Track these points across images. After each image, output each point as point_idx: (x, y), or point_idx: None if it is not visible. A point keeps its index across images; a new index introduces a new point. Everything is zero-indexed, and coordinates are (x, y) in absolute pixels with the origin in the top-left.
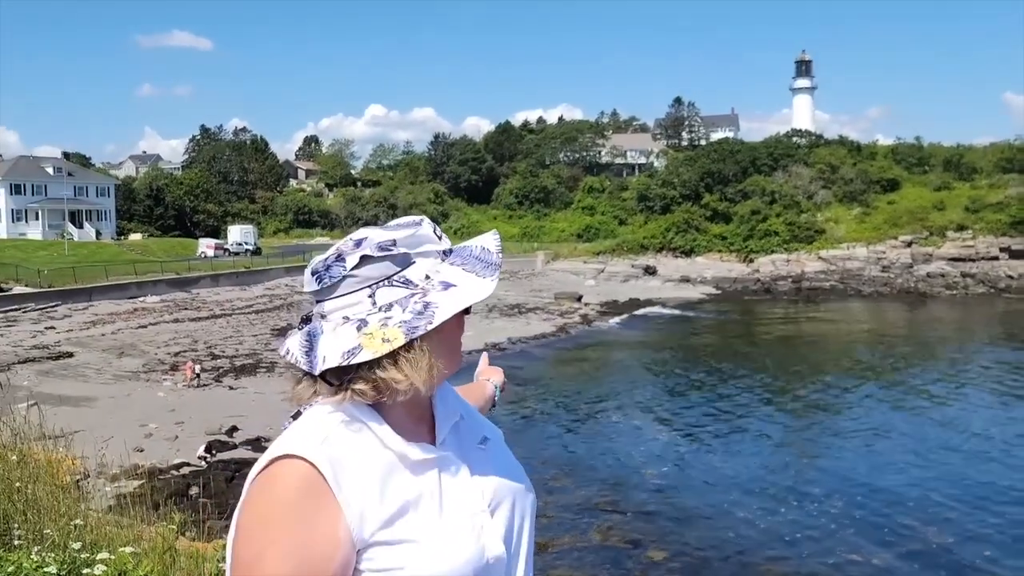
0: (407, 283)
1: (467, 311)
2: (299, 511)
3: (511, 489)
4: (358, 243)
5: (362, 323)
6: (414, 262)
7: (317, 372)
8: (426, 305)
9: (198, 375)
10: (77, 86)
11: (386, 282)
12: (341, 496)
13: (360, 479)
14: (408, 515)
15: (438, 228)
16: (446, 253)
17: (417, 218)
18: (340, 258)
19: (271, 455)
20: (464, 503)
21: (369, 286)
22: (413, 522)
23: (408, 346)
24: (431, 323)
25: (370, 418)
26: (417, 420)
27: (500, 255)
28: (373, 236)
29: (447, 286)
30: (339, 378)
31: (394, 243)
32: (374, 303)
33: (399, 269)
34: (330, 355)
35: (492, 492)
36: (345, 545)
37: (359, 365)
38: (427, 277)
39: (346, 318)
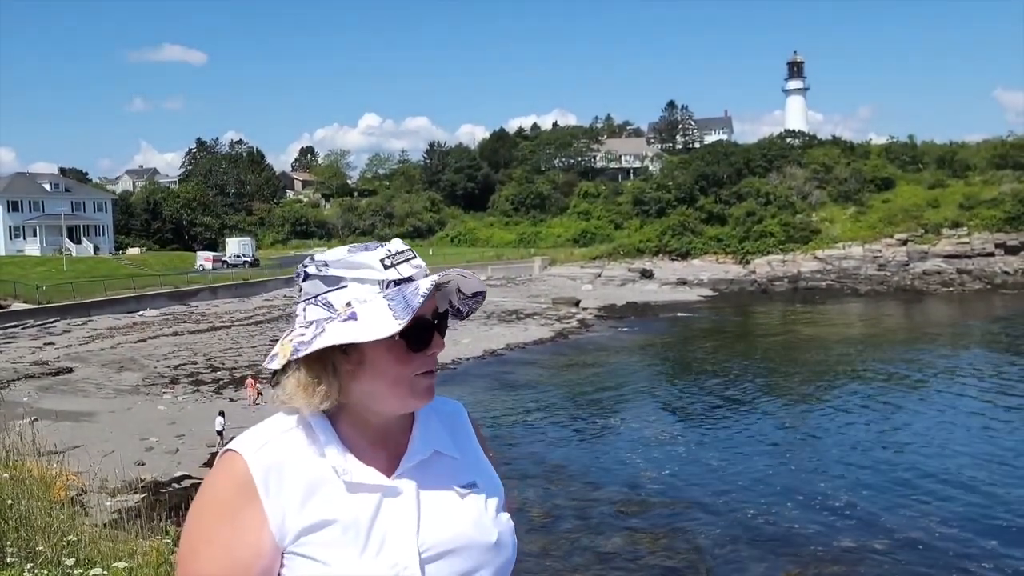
0: (328, 305)
1: (414, 347)
2: (228, 510)
3: (469, 542)
4: (312, 259)
5: (290, 332)
6: (345, 286)
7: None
8: (322, 332)
9: (260, 392)
10: (71, 102)
11: (314, 300)
12: (268, 503)
13: (288, 487)
14: (323, 533)
15: (401, 257)
16: (396, 283)
17: (375, 243)
18: (301, 269)
19: (226, 447)
20: (394, 543)
21: (306, 300)
22: (327, 543)
23: (291, 365)
24: (307, 350)
25: (322, 430)
26: (375, 444)
27: (424, 297)
28: (320, 255)
29: (351, 318)
30: (278, 377)
31: (326, 264)
32: (304, 317)
33: (327, 290)
34: (269, 355)
35: (439, 539)
36: (267, 554)
37: (284, 369)
38: (348, 304)
39: (291, 326)
